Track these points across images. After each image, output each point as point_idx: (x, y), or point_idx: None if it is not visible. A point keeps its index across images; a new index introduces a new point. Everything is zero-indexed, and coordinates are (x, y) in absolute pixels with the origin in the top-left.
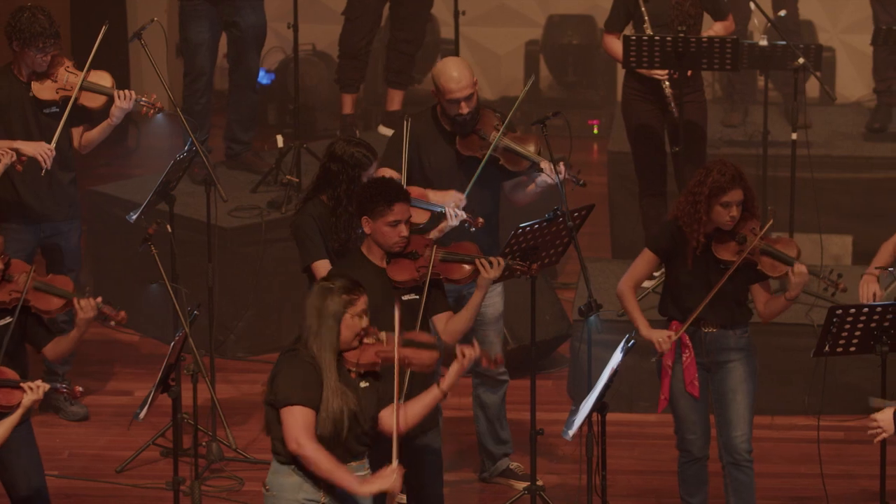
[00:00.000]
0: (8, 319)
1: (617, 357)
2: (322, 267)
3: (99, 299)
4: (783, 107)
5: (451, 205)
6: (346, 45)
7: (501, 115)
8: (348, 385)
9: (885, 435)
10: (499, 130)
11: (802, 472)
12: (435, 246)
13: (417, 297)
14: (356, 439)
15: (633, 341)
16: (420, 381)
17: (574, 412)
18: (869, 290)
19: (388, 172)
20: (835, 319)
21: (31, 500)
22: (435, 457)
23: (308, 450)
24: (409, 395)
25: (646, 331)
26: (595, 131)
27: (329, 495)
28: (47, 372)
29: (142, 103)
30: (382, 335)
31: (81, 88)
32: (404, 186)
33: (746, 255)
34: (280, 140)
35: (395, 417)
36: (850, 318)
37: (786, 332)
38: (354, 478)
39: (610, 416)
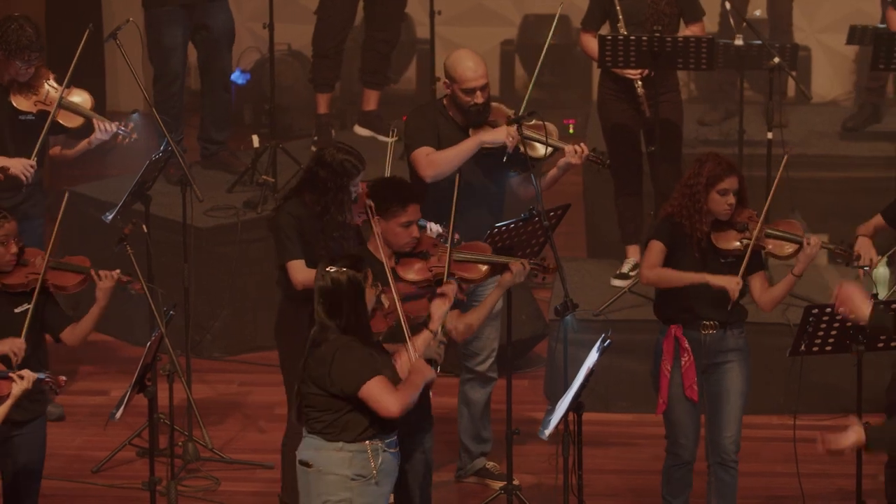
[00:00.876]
0: (26, 306)
1: (593, 356)
2: (296, 267)
3: (118, 270)
4: (760, 106)
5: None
6: (319, 44)
7: (513, 109)
8: (381, 352)
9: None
10: (509, 123)
11: (779, 471)
12: (444, 245)
13: (439, 294)
14: None
15: (609, 341)
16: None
17: (550, 412)
18: (869, 251)
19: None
20: (811, 319)
21: (23, 499)
22: (425, 456)
23: (402, 401)
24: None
25: (715, 280)
26: (571, 131)
27: (379, 460)
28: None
29: (119, 133)
30: (382, 298)
31: (59, 106)
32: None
33: (755, 241)
34: (256, 140)
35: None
36: (825, 318)
37: (762, 332)
38: (418, 374)
39: (586, 416)
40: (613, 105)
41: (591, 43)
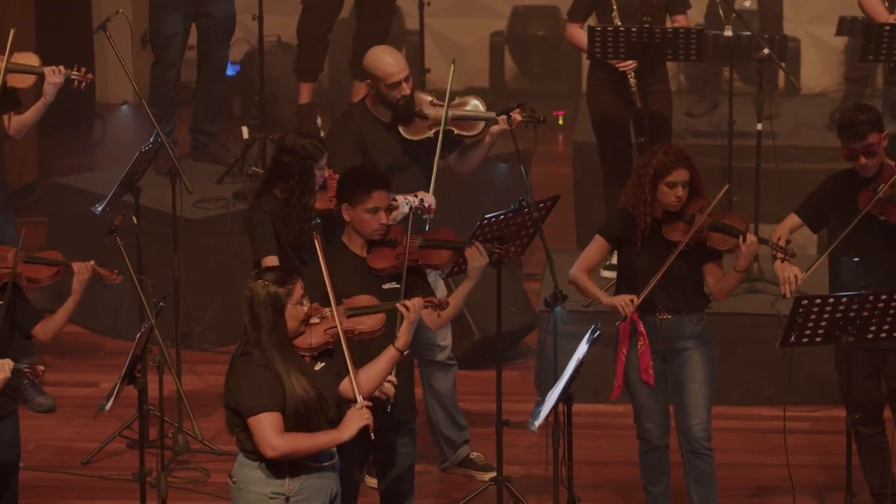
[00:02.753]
0: None
1: (583, 348)
2: (270, 263)
3: (93, 262)
4: (750, 97)
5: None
6: (304, 33)
7: (433, 92)
8: (304, 372)
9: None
10: (437, 104)
11: (768, 462)
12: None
13: (398, 285)
14: (328, 424)
15: (598, 332)
16: (381, 345)
17: (540, 403)
18: (790, 272)
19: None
20: (800, 310)
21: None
22: (408, 450)
23: (283, 448)
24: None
25: (607, 299)
26: (560, 122)
27: (299, 481)
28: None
29: (73, 77)
30: (326, 311)
31: (7, 71)
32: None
33: (695, 232)
34: (245, 131)
35: (352, 380)
36: (815, 309)
37: (752, 323)
38: (332, 432)
39: (576, 407)
40: (603, 96)
41: (577, 34)
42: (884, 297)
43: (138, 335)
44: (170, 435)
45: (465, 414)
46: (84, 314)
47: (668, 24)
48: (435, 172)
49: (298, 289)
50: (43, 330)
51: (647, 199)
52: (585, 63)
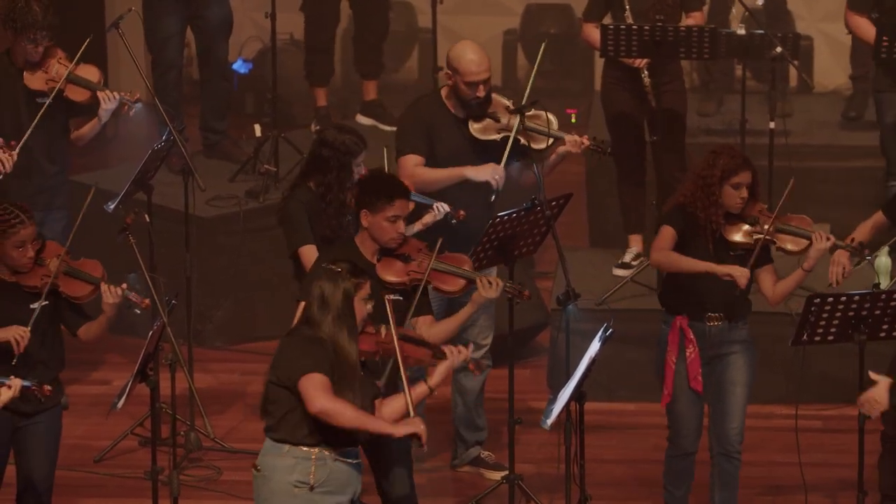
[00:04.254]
0: (42, 303)
1: (595, 346)
2: (308, 252)
3: (125, 286)
4: (763, 96)
5: (438, 202)
6: (311, 40)
7: (512, 100)
8: (352, 366)
9: (880, 408)
10: (511, 112)
11: (780, 460)
12: (428, 252)
13: (402, 298)
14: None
15: (611, 330)
16: (393, 380)
17: (552, 401)
18: (840, 265)
19: (412, 160)
20: (813, 308)
21: (36, 492)
22: (404, 453)
23: (332, 404)
24: (388, 391)
25: (720, 269)
26: (573, 120)
27: (326, 471)
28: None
29: (124, 101)
30: (381, 329)
31: (67, 80)
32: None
33: (765, 235)
34: (258, 129)
35: (406, 389)
36: (828, 307)
37: (764, 321)
38: (386, 421)
39: (588, 405)
40: (617, 94)
41: (592, 33)
42: None
43: (150, 333)
44: (182, 433)
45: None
46: (96, 311)
47: (683, 20)
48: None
49: (367, 288)
50: (86, 334)
51: (717, 201)
52: (598, 61)
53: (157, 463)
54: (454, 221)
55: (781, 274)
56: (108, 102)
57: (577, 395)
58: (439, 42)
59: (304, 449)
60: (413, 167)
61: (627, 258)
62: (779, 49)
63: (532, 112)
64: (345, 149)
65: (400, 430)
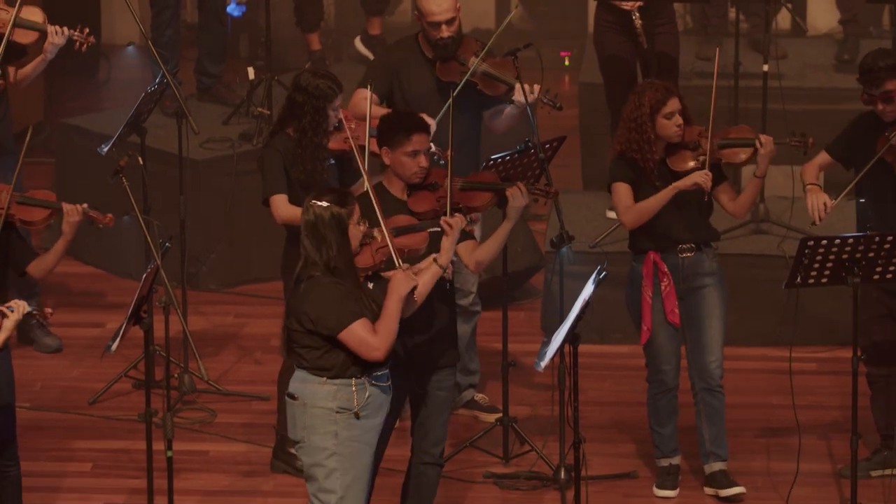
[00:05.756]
0: None
1: (589, 288)
2: (278, 201)
3: (85, 205)
4: (754, 38)
5: None
6: None
7: (482, 43)
8: (364, 293)
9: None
10: (478, 56)
11: (774, 402)
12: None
13: (439, 229)
14: None
15: (604, 272)
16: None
17: (546, 344)
18: (819, 200)
19: (363, 93)
20: (806, 251)
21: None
22: (445, 394)
23: (385, 342)
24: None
25: (681, 182)
26: (566, 63)
27: (365, 394)
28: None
29: (75, 38)
30: (374, 232)
31: (14, 25)
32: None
33: (710, 153)
34: (251, 72)
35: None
36: (821, 250)
37: (758, 264)
38: (392, 297)
39: (582, 348)
40: (610, 37)
41: None
42: (890, 238)
43: (144, 276)
44: (175, 375)
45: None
46: (91, 254)
47: None
48: (439, 116)
49: (356, 209)
50: (36, 268)
51: (651, 138)
52: (591, 3)
53: (151, 405)
54: (441, 161)
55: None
56: (56, 36)
57: (571, 338)
58: None
59: (343, 379)
60: (360, 100)
61: None
62: None
63: (497, 60)
64: (319, 93)
65: (403, 285)
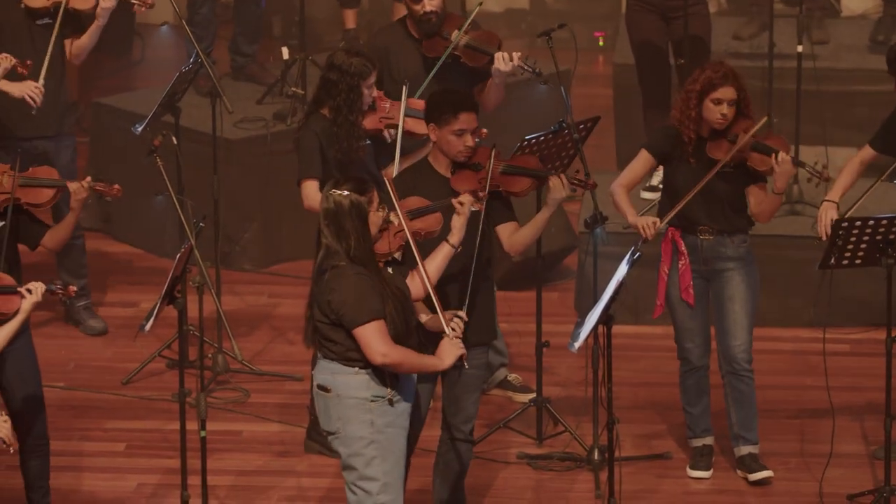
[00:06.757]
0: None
1: (623, 269)
2: (309, 188)
3: (88, 179)
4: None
5: None
6: None
7: (466, 17)
8: (386, 280)
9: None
10: (461, 29)
11: (808, 384)
12: (499, 158)
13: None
14: (407, 338)
15: (638, 253)
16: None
17: (580, 324)
18: (827, 217)
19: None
20: (840, 232)
21: (26, 410)
22: (477, 371)
23: (394, 356)
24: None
25: (632, 217)
26: (601, 43)
27: (395, 389)
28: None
29: (133, 1)
30: (391, 217)
31: None
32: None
33: (737, 151)
34: (285, 52)
35: (424, 277)
36: (855, 231)
37: (792, 245)
38: (433, 358)
39: (616, 329)
40: (642, 17)
41: None
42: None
43: (178, 255)
44: (209, 355)
45: (504, 335)
46: (125, 232)
47: None
48: (421, 90)
49: (375, 196)
50: (51, 239)
51: (693, 115)
52: None
53: (185, 385)
54: (478, 140)
55: None
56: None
57: (605, 319)
58: None
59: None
60: None
61: (655, 181)
62: None
63: (480, 32)
64: (353, 70)
65: (446, 363)
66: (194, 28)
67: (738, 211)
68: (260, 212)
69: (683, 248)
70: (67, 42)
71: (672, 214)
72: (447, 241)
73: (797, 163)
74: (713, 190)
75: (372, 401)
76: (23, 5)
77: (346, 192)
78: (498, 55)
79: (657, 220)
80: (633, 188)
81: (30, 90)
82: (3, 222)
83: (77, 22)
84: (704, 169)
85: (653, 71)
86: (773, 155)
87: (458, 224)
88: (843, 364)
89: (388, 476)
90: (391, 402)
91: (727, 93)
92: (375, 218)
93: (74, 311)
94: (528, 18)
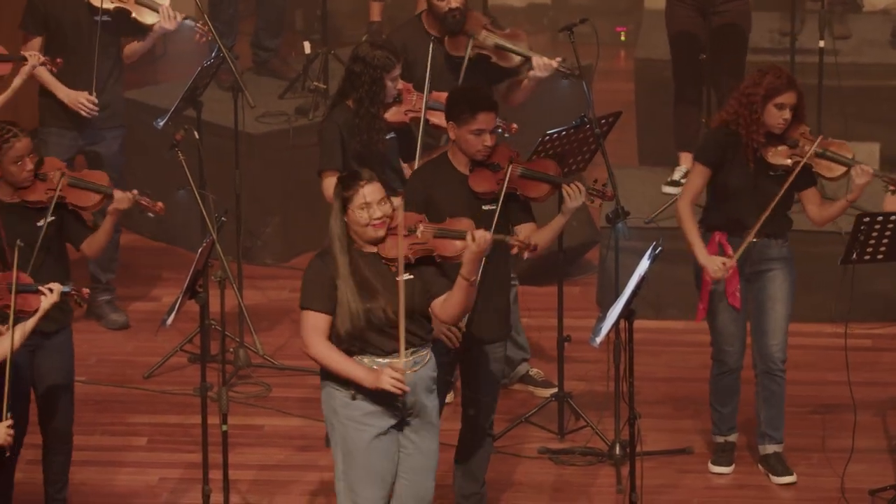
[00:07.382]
0: (49, 219)
1: (644, 264)
2: (327, 180)
3: (135, 192)
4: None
5: None
6: None
7: (489, 17)
8: (380, 280)
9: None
10: (488, 29)
11: (830, 379)
12: (517, 160)
13: (493, 207)
14: (380, 333)
15: (660, 248)
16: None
17: (601, 319)
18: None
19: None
20: (862, 227)
21: (54, 407)
22: (496, 365)
23: (314, 350)
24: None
25: (703, 258)
26: (622, 38)
27: (356, 389)
28: (92, 279)
29: (196, 28)
30: (421, 227)
31: (137, 3)
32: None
33: (805, 158)
34: (307, 46)
35: (400, 301)
36: (877, 226)
37: (813, 240)
38: (364, 370)
39: (637, 323)
40: (679, 12)
41: None
42: None
43: (200, 250)
44: (231, 350)
45: (526, 330)
46: (147, 227)
47: None
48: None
49: (361, 195)
50: (89, 246)
51: (759, 119)
52: None
53: (207, 379)
54: (507, 135)
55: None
56: (167, 21)
57: (627, 313)
58: None
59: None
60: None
61: (677, 176)
62: None
63: (508, 31)
64: (377, 62)
65: (372, 383)
66: (220, 23)
67: (785, 213)
68: (281, 206)
69: (730, 252)
70: (126, 40)
71: (744, 247)
72: (460, 273)
73: (876, 174)
74: (766, 193)
75: (336, 389)
76: (86, 1)
77: (336, 187)
78: (537, 58)
79: (726, 260)
80: (696, 202)
81: (82, 104)
82: (53, 218)
83: (137, 28)
84: (761, 172)
85: (688, 65)
86: (853, 168)
87: (468, 259)
88: (865, 359)
89: (348, 468)
90: (353, 398)
91: (790, 98)
92: (357, 215)
93: (96, 305)
94: (550, 13)
